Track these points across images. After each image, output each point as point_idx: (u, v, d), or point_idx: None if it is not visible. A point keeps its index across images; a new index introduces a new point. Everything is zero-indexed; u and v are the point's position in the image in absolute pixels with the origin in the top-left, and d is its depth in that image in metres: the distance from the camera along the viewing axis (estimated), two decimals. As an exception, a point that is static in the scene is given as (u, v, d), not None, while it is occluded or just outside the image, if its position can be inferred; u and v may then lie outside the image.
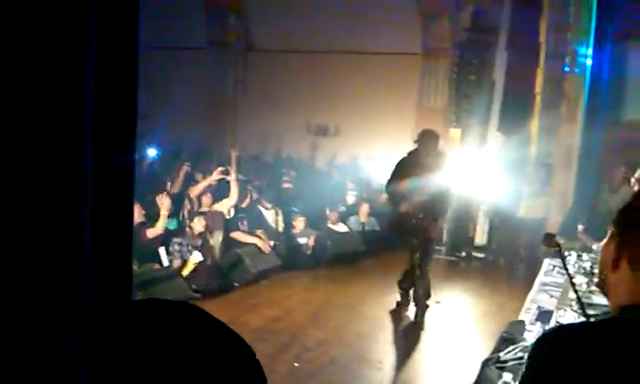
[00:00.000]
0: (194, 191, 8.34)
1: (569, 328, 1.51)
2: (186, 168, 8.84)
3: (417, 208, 6.58)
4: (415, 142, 6.80)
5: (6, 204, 0.72)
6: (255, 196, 9.26)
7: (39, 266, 0.73)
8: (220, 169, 8.42)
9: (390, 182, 6.88)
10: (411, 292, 6.99)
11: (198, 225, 7.73)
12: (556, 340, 1.29)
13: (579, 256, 5.72)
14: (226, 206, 8.55)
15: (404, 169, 6.75)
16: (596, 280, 1.52)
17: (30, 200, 0.73)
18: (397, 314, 7.04)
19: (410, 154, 6.86)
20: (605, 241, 1.39)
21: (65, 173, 0.74)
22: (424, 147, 6.72)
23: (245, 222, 8.65)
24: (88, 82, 0.82)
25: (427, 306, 6.81)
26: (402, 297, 7.17)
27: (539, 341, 1.33)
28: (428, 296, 6.84)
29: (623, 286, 1.32)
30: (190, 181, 8.90)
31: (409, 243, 6.86)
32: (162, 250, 7.42)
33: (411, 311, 7.10)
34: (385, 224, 10.25)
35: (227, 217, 8.53)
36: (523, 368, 1.35)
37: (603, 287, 1.41)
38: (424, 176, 6.49)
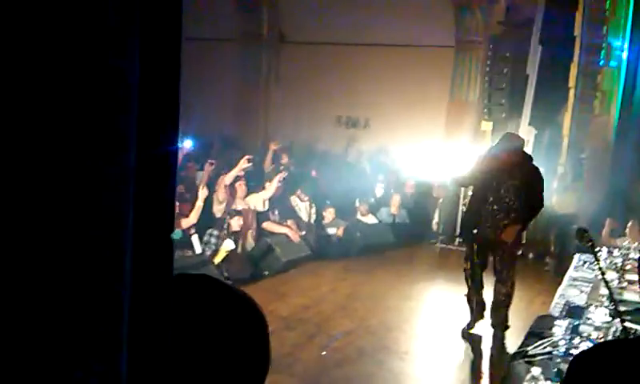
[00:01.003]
0: (224, 181, 8.41)
1: (612, 345, 1.46)
2: (209, 166, 8.89)
3: (487, 209, 6.01)
4: (497, 146, 6.22)
5: (51, 198, 0.78)
6: (285, 186, 9.35)
7: (85, 253, 0.79)
8: (247, 157, 8.44)
9: (466, 177, 6.43)
10: (485, 306, 6.26)
11: (235, 224, 7.83)
12: (600, 359, 1.27)
13: (610, 252, 5.70)
14: (261, 199, 8.64)
15: (482, 163, 6.18)
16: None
17: (72, 193, 0.79)
18: (465, 335, 6.25)
19: (492, 154, 6.27)
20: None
21: (109, 165, 0.80)
22: (505, 153, 6.03)
23: (276, 212, 8.75)
24: (133, 73, 0.88)
25: (505, 326, 6.03)
26: (470, 313, 6.35)
27: (581, 358, 1.32)
28: (503, 314, 6.03)
29: None
30: (219, 175, 8.94)
31: (467, 246, 6.36)
32: (194, 238, 7.56)
33: (441, 302, 7.12)
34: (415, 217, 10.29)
35: (262, 210, 8.60)
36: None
37: None
38: (502, 174, 5.94)
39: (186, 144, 9.49)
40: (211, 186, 8.25)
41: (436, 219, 10.47)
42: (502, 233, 5.93)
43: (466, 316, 6.33)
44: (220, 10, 12.43)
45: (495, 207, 5.98)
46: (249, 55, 12.95)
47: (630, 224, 7.29)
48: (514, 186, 5.93)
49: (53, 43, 0.78)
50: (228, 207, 8.10)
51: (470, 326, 6.28)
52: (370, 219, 9.94)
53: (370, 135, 12.11)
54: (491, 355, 5.82)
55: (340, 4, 11.42)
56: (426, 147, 10.49)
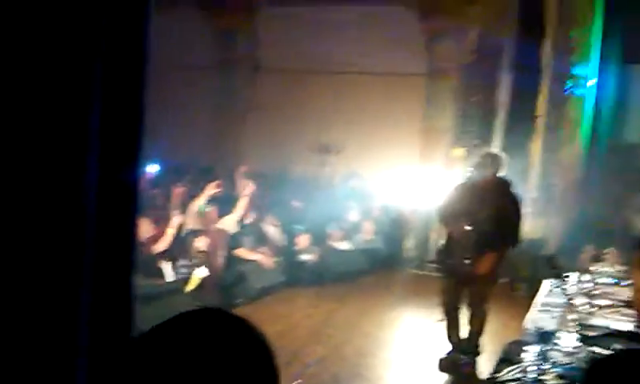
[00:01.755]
0: (194, 207, 8.37)
1: (625, 355, 1.45)
2: (180, 189, 8.84)
3: (465, 240, 5.87)
4: (473, 166, 6.15)
5: (9, 216, 0.79)
6: (260, 213, 9.33)
7: (43, 274, 0.79)
8: (216, 183, 8.40)
9: (442, 208, 6.25)
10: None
11: (201, 243, 7.77)
12: (613, 369, 1.28)
13: (579, 277, 5.77)
14: (230, 222, 8.62)
15: (458, 193, 6.11)
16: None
17: (33, 212, 0.79)
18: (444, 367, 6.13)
19: (469, 178, 6.27)
20: (635, 265, 1.42)
21: (70, 186, 0.81)
22: (482, 171, 6.00)
23: (249, 239, 8.72)
24: (95, 98, 0.89)
25: (477, 352, 6.08)
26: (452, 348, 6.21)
27: (594, 369, 1.32)
28: (475, 342, 6.08)
29: None
30: (187, 199, 8.89)
31: (444, 278, 6.25)
32: (165, 265, 7.47)
33: (415, 329, 7.12)
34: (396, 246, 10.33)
35: (233, 231, 8.58)
36: None
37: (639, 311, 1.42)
38: (479, 204, 5.83)
39: (153, 169, 9.42)
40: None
41: (409, 245, 10.53)
42: (477, 264, 5.79)
43: (439, 342, 6.35)
44: (196, 37, 12.49)
45: (471, 237, 5.83)
46: (224, 82, 13.00)
47: (609, 250, 7.44)
48: (490, 214, 5.76)
49: (16, 69, 0.79)
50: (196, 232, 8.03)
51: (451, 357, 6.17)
52: (344, 245, 9.95)
53: (344, 161, 12.18)
54: (465, 382, 5.83)
55: (315, 32, 11.57)
56: (399, 173, 10.60)
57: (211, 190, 8.26)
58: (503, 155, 6.23)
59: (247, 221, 8.87)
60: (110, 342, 0.93)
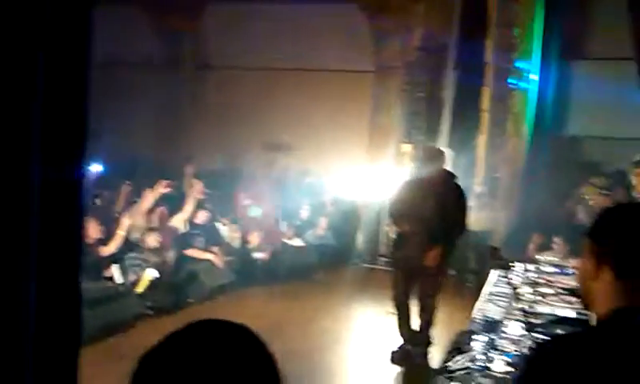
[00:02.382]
0: (143, 206, 8.25)
1: (562, 340, 1.53)
2: (126, 188, 8.74)
3: (413, 234, 6.00)
4: (417, 161, 6.29)
5: None
6: (211, 212, 9.26)
7: None
8: (165, 182, 8.31)
9: (392, 204, 6.39)
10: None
11: (152, 241, 7.69)
12: (551, 354, 1.34)
13: (525, 267, 5.96)
14: (180, 221, 8.53)
15: (405, 190, 6.22)
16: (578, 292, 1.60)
17: None
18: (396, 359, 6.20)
19: (414, 174, 6.36)
20: (583, 253, 1.49)
21: (12, 187, 0.80)
22: (426, 167, 6.11)
23: (200, 239, 8.64)
24: (37, 96, 0.89)
25: (429, 343, 6.19)
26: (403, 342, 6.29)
27: (534, 357, 1.39)
28: (426, 333, 6.19)
29: (606, 293, 1.41)
30: (134, 198, 8.77)
31: (394, 272, 6.35)
32: (115, 267, 7.35)
33: (368, 322, 7.21)
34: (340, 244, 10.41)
35: (182, 231, 8.50)
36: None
37: (585, 298, 1.50)
38: (425, 199, 5.92)
39: (97, 168, 9.24)
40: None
41: (360, 240, 10.64)
42: (425, 258, 5.89)
43: (392, 335, 6.45)
44: (142, 35, 12.29)
45: (419, 231, 5.92)
46: (171, 80, 12.84)
47: (556, 239, 7.71)
48: (436, 209, 5.87)
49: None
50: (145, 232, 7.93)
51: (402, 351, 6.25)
52: (297, 242, 9.98)
53: (295, 158, 12.21)
54: (417, 373, 5.94)
55: (263, 30, 11.54)
56: (349, 169, 10.70)
57: (161, 189, 8.16)
58: (446, 150, 6.38)
59: (198, 220, 8.79)
60: (58, 346, 0.92)
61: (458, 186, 6.18)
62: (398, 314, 6.26)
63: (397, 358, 6.18)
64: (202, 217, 8.81)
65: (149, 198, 8.20)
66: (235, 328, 0.99)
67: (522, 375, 1.38)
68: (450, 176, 6.21)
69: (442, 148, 6.53)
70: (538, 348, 1.51)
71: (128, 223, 7.42)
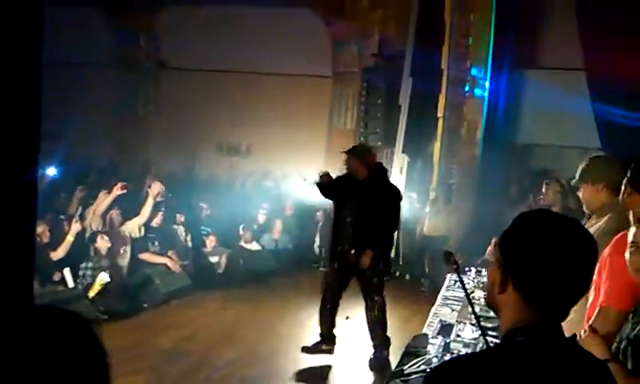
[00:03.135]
0: (98, 209, 8.09)
1: (458, 362, 1.52)
2: (78, 192, 8.57)
3: (346, 232, 5.93)
4: (347, 159, 6.02)
5: None
6: (166, 215, 9.13)
7: None
8: (120, 184, 8.16)
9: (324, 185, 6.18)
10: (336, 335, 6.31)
11: (102, 244, 7.52)
12: (448, 376, 1.34)
13: (478, 271, 6.07)
14: (136, 225, 8.38)
15: (337, 190, 6.08)
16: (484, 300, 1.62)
17: None
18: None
19: (347, 172, 6.12)
20: (492, 265, 1.49)
21: None
22: (350, 167, 5.99)
23: (156, 242, 8.51)
24: None
25: (385, 344, 6.13)
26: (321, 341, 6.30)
27: (431, 378, 1.39)
28: (379, 334, 6.12)
29: (510, 308, 1.38)
30: (88, 202, 8.59)
31: (328, 266, 6.32)
32: (67, 271, 7.19)
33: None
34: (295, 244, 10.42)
35: (138, 235, 8.35)
36: None
37: (491, 308, 1.48)
38: (355, 198, 5.84)
39: (50, 171, 9.03)
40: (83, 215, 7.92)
41: (317, 243, 10.67)
42: (360, 257, 5.82)
43: (349, 337, 6.48)
44: (96, 35, 12.07)
45: (351, 228, 5.85)
46: (126, 81, 12.66)
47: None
48: (366, 205, 5.76)
49: None
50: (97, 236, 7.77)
51: (317, 346, 6.25)
52: (254, 246, 9.93)
53: (252, 162, 12.17)
54: (376, 374, 5.98)
55: (221, 32, 11.49)
56: (306, 173, 10.71)
57: (117, 191, 8.00)
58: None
59: (153, 223, 8.66)
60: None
61: (392, 185, 6.12)
62: (321, 311, 6.25)
63: (306, 350, 6.17)
64: (157, 220, 8.68)
65: (103, 200, 8.04)
66: (63, 313, 1.01)
67: None
68: (383, 175, 6.10)
69: (371, 145, 6.41)
70: (435, 369, 1.51)
71: (77, 228, 7.25)
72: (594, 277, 2.67)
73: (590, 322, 2.51)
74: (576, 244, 1.36)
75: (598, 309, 2.55)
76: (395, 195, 6.07)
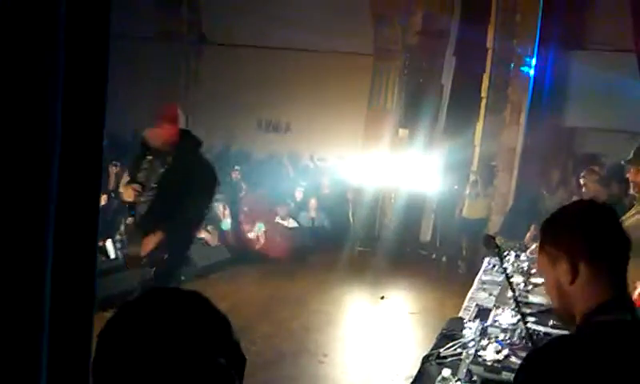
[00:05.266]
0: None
1: (557, 346, 1.48)
2: (113, 168, 8.68)
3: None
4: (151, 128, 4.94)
5: None
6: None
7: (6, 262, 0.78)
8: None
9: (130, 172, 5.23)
10: None
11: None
12: (548, 360, 1.35)
13: (517, 256, 5.98)
14: None
15: (137, 158, 5.03)
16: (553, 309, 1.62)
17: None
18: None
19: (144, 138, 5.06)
20: (544, 263, 1.47)
21: (33, 167, 0.79)
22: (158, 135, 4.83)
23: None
24: (58, 74, 0.88)
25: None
26: None
27: (529, 365, 1.40)
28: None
29: (583, 295, 1.43)
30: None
31: None
32: (108, 243, 7.34)
33: (359, 305, 7.25)
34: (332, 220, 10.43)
35: None
36: None
37: (562, 308, 1.49)
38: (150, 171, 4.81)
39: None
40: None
41: (356, 223, 10.65)
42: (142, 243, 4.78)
43: (384, 318, 6.48)
44: (138, 7, 12.14)
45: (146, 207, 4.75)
46: (168, 55, 12.72)
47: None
48: (163, 176, 4.73)
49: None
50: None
51: None
52: (290, 223, 9.98)
53: (291, 139, 12.17)
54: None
55: (263, 7, 11.43)
56: (345, 152, 10.68)
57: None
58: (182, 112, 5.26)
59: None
60: (73, 317, 0.93)
61: (203, 161, 4.95)
62: None
63: None
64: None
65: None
66: (187, 294, 1.01)
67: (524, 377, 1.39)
68: (190, 147, 4.87)
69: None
70: (538, 351, 1.51)
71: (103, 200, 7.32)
72: None
73: None
74: (604, 208, 1.54)
75: None
76: (205, 171, 4.87)
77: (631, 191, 3.39)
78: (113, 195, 7.66)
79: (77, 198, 0.93)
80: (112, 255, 7.33)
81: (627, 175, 3.39)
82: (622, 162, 3.41)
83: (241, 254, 8.81)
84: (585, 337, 1.41)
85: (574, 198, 9.13)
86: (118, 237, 7.46)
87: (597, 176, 6.07)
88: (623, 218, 3.44)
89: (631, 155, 3.32)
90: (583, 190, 6.43)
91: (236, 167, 10.87)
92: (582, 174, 6.50)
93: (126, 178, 7.97)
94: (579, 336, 1.44)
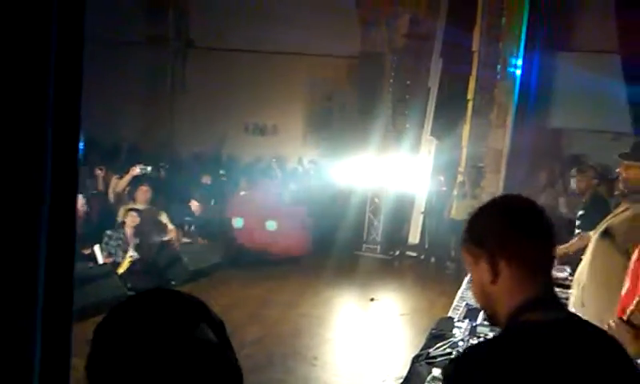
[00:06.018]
0: (118, 187, 8.19)
1: (482, 349, 1.50)
2: (99, 173, 8.64)
3: None
4: None
5: None
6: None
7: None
8: (138, 165, 8.20)
9: None
10: None
11: (130, 222, 7.59)
12: (473, 363, 1.33)
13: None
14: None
15: None
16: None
17: None
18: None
19: None
20: (468, 262, 1.43)
21: (26, 171, 0.81)
22: None
23: (192, 227, 8.60)
24: (49, 83, 0.89)
25: None
26: None
27: (456, 370, 1.37)
28: None
29: (506, 294, 1.37)
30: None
31: None
32: (97, 248, 7.30)
33: (349, 309, 7.27)
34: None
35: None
36: None
37: (488, 307, 1.43)
38: None
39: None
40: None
41: (345, 226, 10.65)
42: None
43: (374, 319, 6.48)
44: (124, 12, 12.11)
45: None
46: (154, 59, 12.70)
47: None
48: None
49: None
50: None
51: None
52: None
53: (278, 142, 12.18)
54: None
55: (249, 11, 11.45)
56: (335, 155, 10.70)
57: (133, 173, 8.08)
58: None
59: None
60: (57, 320, 0.94)
61: None
62: None
63: None
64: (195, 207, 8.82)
65: (122, 181, 8.13)
66: (182, 296, 1.02)
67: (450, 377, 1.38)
68: None
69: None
70: (465, 353, 1.51)
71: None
72: (631, 264, 2.60)
73: (629, 313, 2.40)
74: (528, 203, 1.45)
75: (638, 299, 2.44)
76: None
77: (620, 186, 3.40)
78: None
79: (55, 199, 0.94)
80: (100, 261, 7.29)
81: (618, 170, 3.38)
82: (617, 156, 3.39)
83: (232, 257, 8.79)
84: (509, 337, 1.37)
85: (561, 199, 9.23)
86: (110, 238, 7.42)
87: (589, 174, 6.10)
88: (613, 214, 3.47)
89: (628, 150, 3.29)
90: (574, 187, 6.46)
91: (223, 171, 10.86)
92: (578, 168, 6.51)
93: (115, 180, 7.95)
94: (505, 336, 1.40)
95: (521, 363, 1.28)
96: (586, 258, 3.46)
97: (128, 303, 0.99)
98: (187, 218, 8.72)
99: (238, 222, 9.20)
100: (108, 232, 7.44)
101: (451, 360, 1.48)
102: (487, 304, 1.44)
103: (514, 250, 1.37)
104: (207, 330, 0.96)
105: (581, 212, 5.65)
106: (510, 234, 1.38)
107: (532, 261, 1.37)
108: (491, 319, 1.47)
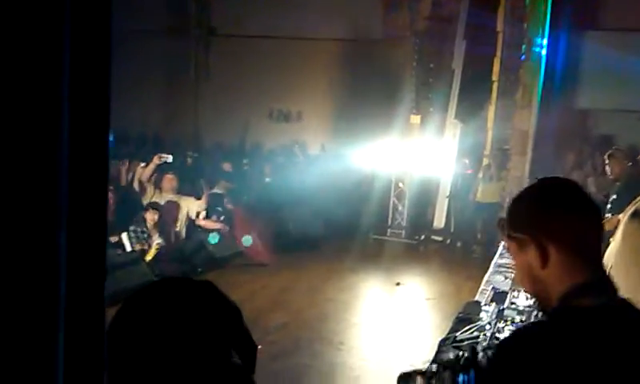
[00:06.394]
0: (141, 176, 8.26)
1: (527, 333, 1.46)
2: (122, 165, 8.71)
3: None
4: None
5: None
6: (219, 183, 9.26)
7: (19, 250, 0.79)
8: (159, 155, 8.25)
9: None
10: None
11: (150, 218, 7.65)
12: (519, 348, 1.31)
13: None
14: (194, 206, 8.46)
15: None
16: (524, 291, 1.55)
17: (6, 194, 0.78)
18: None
19: None
20: (513, 249, 1.39)
21: (42, 166, 0.81)
22: None
23: (210, 209, 8.65)
24: (64, 74, 0.88)
25: None
26: None
27: (500, 354, 1.36)
28: None
29: (557, 278, 1.34)
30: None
31: None
32: (124, 236, 7.40)
33: (375, 294, 7.27)
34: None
35: (194, 218, 8.44)
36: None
37: (536, 293, 1.41)
38: None
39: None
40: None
41: (370, 211, 10.64)
42: None
43: (400, 304, 6.48)
44: (147, 3, 12.15)
45: None
46: (177, 48, 12.73)
47: None
48: None
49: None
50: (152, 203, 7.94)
51: None
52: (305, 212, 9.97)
53: (303, 128, 12.17)
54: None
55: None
56: (358, 140, 10.66)
57: (156, 161, 8.15)
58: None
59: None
60: (86, 308, 0.94)
61: None
62: None
63: None
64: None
65: (146, 172, 8.20)
66: (198, 283, 1.02)
67: (494, 363, 1.36)
68: None
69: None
70: (509, 339, 1.48)
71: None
72: None
73: None
74: (566, 181, 1.47)
75: None
76: None
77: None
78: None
79: (85, 196, 0.94)
80: (128, 248, 7.39)
81: None
82: None
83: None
84: (557, 323, 1.34)
85: (589, 180, 9.09)
86: (133, 230, 7.51)
87: (621, 157, 5.97)
88: None
89: None
90: (608, 173, 6.33)
91: (248, 159, 10.90)
92: (609, 153, 6.38)
93: (140, 169, 8.03)
94: (551, 322, 1.37)
95: (570, 350, 1.26)
96: (616, 240, 3.43)
97: (142, 293, 1.00)
98: (216, 208, 8.76)
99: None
100: (131, 228, 7.50)
101: (499, 343, 1.46)
102: (538, 289, 1.40)
103: (560, 230, 1.35)
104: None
105: (614, 196, 5.55)
106: (553, 213, 1.36)
107: (579, 238, 1.35)
108: (542, 304, 1.43)
